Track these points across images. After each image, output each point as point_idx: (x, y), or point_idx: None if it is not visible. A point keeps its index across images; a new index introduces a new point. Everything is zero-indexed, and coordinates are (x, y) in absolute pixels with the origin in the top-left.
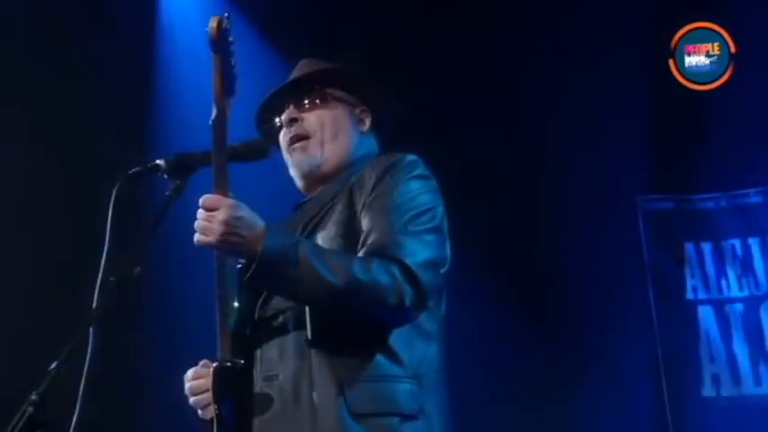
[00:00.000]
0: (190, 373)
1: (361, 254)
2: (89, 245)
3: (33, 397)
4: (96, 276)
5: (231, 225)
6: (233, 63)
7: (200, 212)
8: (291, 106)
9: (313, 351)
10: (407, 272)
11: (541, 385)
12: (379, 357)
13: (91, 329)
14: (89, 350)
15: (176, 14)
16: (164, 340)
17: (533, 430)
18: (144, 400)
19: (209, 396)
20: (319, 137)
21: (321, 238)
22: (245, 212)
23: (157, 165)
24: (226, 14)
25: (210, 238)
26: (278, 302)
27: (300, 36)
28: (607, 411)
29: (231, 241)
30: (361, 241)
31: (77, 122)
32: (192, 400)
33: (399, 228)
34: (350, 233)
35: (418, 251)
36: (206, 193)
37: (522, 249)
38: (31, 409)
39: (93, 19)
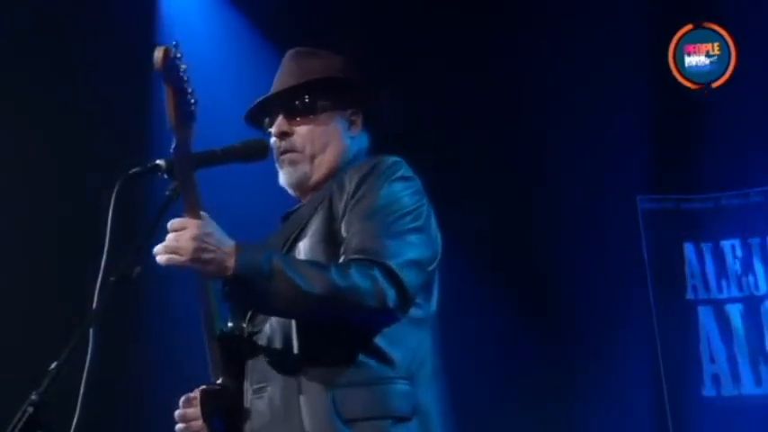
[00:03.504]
0: (183, 400)
1: (342, 259)
2: (89, 245)
3: (33, 397)
4: (96, 276)
5: (200, 241)
6: (189, 90)
7: (169, 235)
8: (281, 117)
9: (301, 360)
10: (389, 273)
11: (541, 385)
12: (369, 360)
13: (91, 330)
14: (89, 350)
15: (176, 15)
16: (163, 340)
17: (533, 430)
18: (144, 399)
19: (198, 423)
20: (309, 151)
21: (302, 247)
22: (214, 229)
23: (157, 165)
24: (174, 43)
25: (182, 257)
26: (266, 316)
27: (300, 36)
28: (607, 411)
29: (203, 258)
30: (344, 247)
31: (77, 122)
32: (179, 427)
33: (382, 230)
34: (330, 239)
35: (401, 252)
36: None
37: (522, 249)
38: (31, 409)
39: (93, 19)
